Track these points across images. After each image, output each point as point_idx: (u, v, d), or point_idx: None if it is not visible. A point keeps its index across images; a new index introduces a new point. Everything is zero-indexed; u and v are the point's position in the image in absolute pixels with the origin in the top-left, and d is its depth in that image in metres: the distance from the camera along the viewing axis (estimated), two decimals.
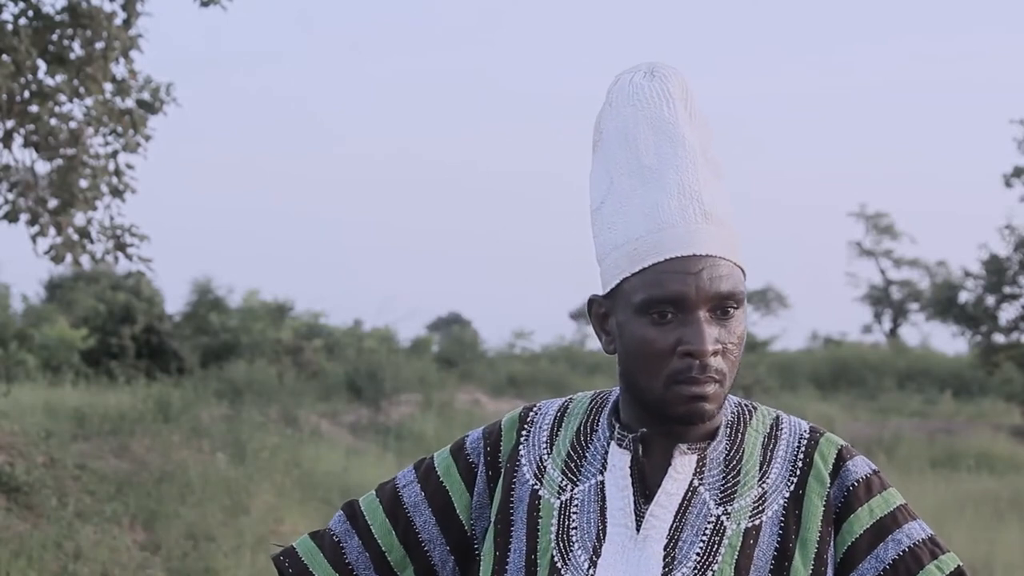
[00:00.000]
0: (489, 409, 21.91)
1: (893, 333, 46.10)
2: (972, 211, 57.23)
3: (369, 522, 1.92)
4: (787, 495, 1.79)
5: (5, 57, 10.19)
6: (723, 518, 1.77)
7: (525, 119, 67.69)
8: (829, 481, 1.80)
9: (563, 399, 1.93)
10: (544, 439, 1.88)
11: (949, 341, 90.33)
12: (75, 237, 10.88)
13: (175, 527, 10.65)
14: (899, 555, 1.79)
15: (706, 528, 1.76)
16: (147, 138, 11.02)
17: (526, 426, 1.90)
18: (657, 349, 1.74)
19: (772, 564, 1.76)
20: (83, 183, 10.83)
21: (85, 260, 11.12)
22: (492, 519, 1.85)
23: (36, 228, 10.75)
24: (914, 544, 1.80)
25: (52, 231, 10.78)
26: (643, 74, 1.84)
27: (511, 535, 1.83)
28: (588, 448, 1.85)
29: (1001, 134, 52.94)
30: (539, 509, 1.82)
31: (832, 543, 1.78)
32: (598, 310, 1.83)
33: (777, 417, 1.86)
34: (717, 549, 1.75)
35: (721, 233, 1.77)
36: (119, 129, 10.86)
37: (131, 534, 10.45)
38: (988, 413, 28.07)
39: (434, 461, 1.94)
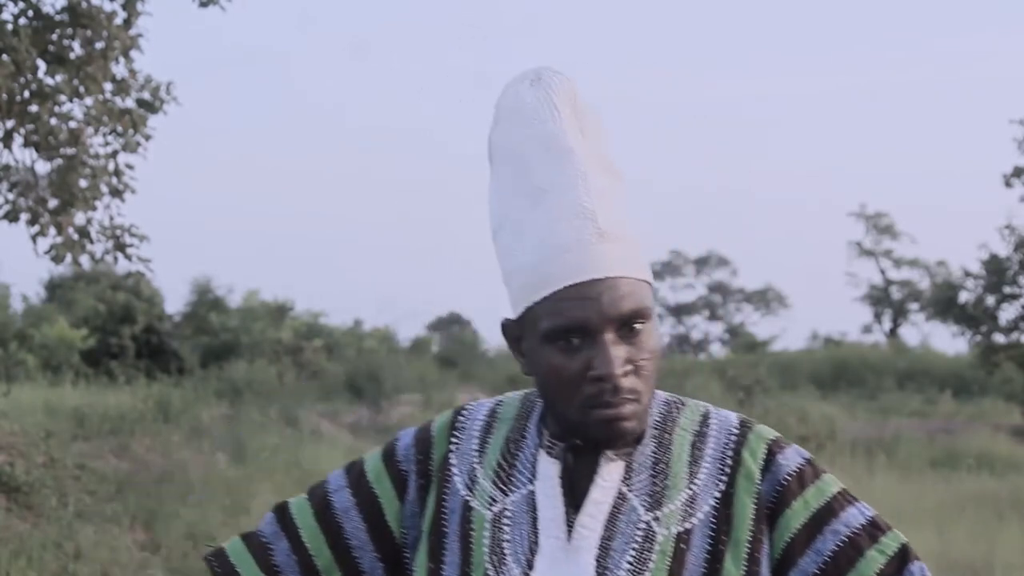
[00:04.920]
0: None
1: (893, 333, 46.10)
2: (972, 209, 57.26)
3: (299, 525, 1.90)
4: (717, 495, 1.76)
5: (5, 57, 10.19)
6: (653, 524, 1.74)
7: None
8: (760, 477, 1.76)
9: (493, 400, 1.90)
10: (474, 447, 1.84)
11: (949, 341, 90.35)
12: (75, 237, 10.88)
13: (175, 527, 10.64)
14: (838, 545, 1.75)
15: (636, 535, 1.73)
16: (147, 138, 11.02)
17: (456, 432, 1.86)
18: (567, 376, 1.71)
19: (704, 568, 1.73)
20: (83, 183, 10.83)
21: (85, 260, 11.12)
22: (425, 530, 1.83)
23: (36, 228, 10.75)
24: (853, 532, 1.76)
25: (52, 231, 10.78)
26: (527, 84, 1.79)
27: (444, 548, 1.80)
28: (517, 456, 1.81)
29: (1001, 133, 52.94)
30: (471, 521, 1.79)
31: (767, 541, 1.75)
32: (512, 333, 1.79)
33: (706, 413, 1.82)
34: (649, 556, 1.72)
35: (619, 250, 1.72)
36: (119, 129, 10.85)
37: (131, 534, 10.45)
38: (988, 413, 28.06)
39: (365, 466, 1.90)
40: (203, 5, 10.74)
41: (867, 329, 46.96)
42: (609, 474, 1.76)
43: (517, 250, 1.76)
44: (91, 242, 10.97)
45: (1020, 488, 15.40)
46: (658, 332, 1.76)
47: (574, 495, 1.76)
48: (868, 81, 68.63)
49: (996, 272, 28.85)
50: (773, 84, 68.24)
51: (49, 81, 10.58)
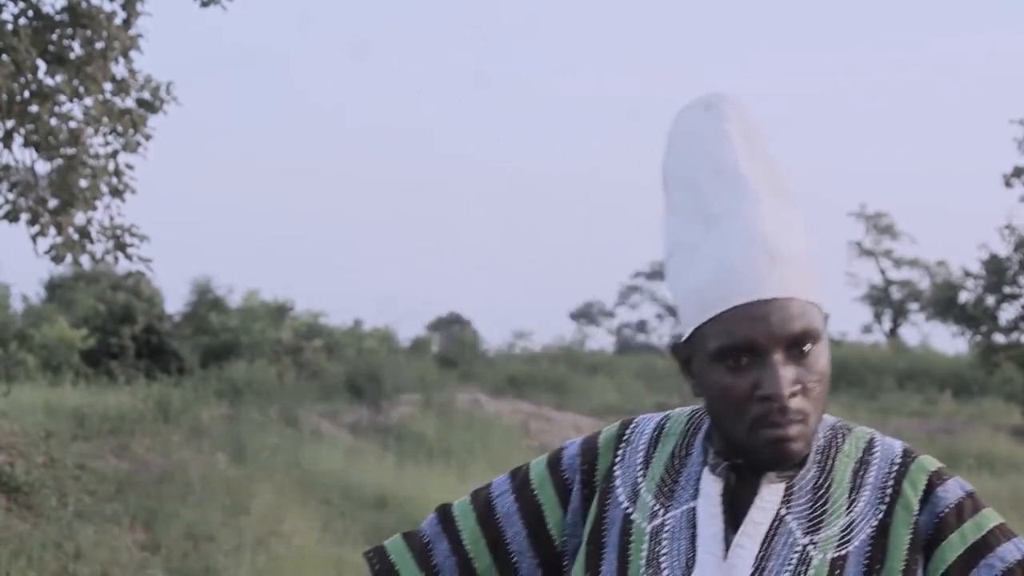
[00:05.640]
0: (489, 409, 21.90)
1: (893, 333, 46.08)
2: (972, 209, 57.24)
3: (460, 528, 1.93)
4: (875, 524, 1.78)
5: (5, 57, 10.19)
6: (809, 548, 1.76)
7: (527, 118, 67.75)
8: (918, 508, 1.78)
9: (661, 415, 1.94)
10: (639, 460, 1.88)
11: (949, 341, 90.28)
12: (75, 237, 10.88)
13: (175, 527, 10.64)
14: None
15: (792, 558, 1.76)
16: (147, 137, 11.02)
17: (622, 445, 1.90)
18: (735, 396, 1.74)
19: None
20: (83, 183, 10.83)
21: (85, 260, 11.12)
22: (584, 539, 1.85)
23: (36, 228, 10.75)
24: (1007, 567, 1.77)
25: (52, 231, 10.78)
26: (700, 111, 1.84)
27: (602, 558, 1.83)
28: (681, 472, 1.85)
29: (1001, 133, 52.95)
30: (631, 533, 1.82)
31: (921, 572, 1.76)
32: (681, 356, 1.83)
33: (871, 440, 1.84)
34: None
35: (790, 272, 1.75)
36: (119, 129, 10.85)
37: (131, 534, 10.45)
38: (988, 413, 28.07)
39: (530, 473, 1.93)
40: (203, 5, 10.74)
41: (867, 329, 46.95)
42: (770, 496, 1.78)
43: (689, 273, 1.79)
44: (91, 242, 10.96)
45: (1020, 488, 15.41)
46: (827, 355, 1.78)
47: (734, 514, 1.79)
48: (868, 81, 68.64)
49: (996, 272, 28.85)
50: (773, 84, 68.24)
51: (49, 81, 10.58)
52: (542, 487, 1.91)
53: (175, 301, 37.02)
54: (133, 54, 10.77)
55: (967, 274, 30.15)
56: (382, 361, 23.66)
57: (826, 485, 1.80)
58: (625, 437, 1.91)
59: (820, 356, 1.75)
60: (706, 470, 1.82)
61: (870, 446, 1.83)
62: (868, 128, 68.53)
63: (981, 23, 69.23)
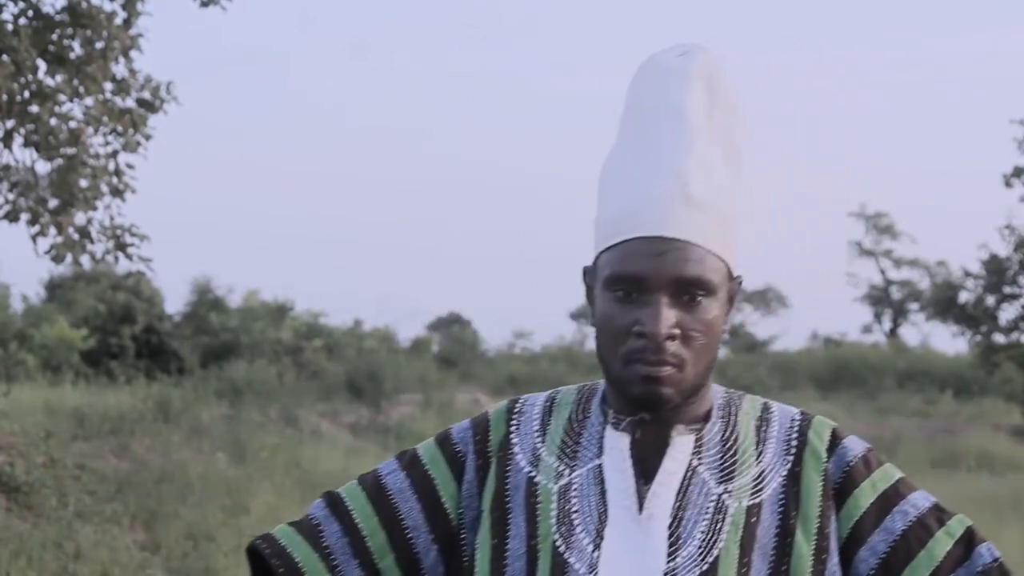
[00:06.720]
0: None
1: (893, 333, 46.09)
2: (972, 209, 57.21)
3: (350, 507, 1.86)
4: (784, 473, 1.78)
5: (5, 57, 10.19)
6: (724, 497, 1.76)
7: (526, 118, 67.72)
8: (826, 457, 1.79)
9: (549, 391, 1.91)
10: (536, 427, 1.84)
11: (949, 341, 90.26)
12: (75, 237, 10.88)
13: (175, 527, 10.64)
14: (908, 525, 1.79)
15: (708, 507, 1.75)
16: (147, 137, 11.02)
17: (515, 416, 1.87)
18: (616, 326, 1.73)
19: (775, 541, 1.75)
20: (83, 183, 10.83)
21: (85, 260, 11.12)
22: (486, 509, 1.81)
23: (36, 228, 10.75)
24: (920, 514, 1.80)
25: (52, 231, 10.78)
26: (675, 53, 1.82)
27: (508, 523, 1.79)
28: (582, 434, 1.82)
29: (1001, 133, 52.97)
30: (537, 495, 1.79)
31: (834, 518, 1.77)
32: (587, 280, 1.83)
33: (766, 403, 1.86)
34: (721, 527, 1.74)
35: (702, 220, 1.74)
36: (119, 129, 10.86)
37: (131, 534, 10.45)
38: (988, 413, 28.09)
39: (418, 451, 1.89)
40: (203, 5, 10.74)
41: (867, 329, 46.96)
42: (682, 447, 1.77)
43: (607, 199, 1.79)
44: (91, 242, 10.97)
45: (1020, 488, 15.40)
46: (722, 315, 1.77)
47: (643, 468, 1.77)
48: (868, 81, 68.65)
49: (996, 272, 28.88)
50: (773, 83, 68.23)
51: (49, 81, 10.58)
52: (434, 462, 1.86)
53: (175, 301, 37.02)
54: (133, 54, 10.79)
55: (967, 274, 30.18)
56: (382, 361, 23.68)
57: (733, 438, 1.80)
58: (516, 410, 1.88)
59: (710, 309, 1.73)
60: (609, 428, 1.79)
61: (767, 407, 1.85)
62: (868, 128, 68.53)
63: (981, 23, 69.23)
